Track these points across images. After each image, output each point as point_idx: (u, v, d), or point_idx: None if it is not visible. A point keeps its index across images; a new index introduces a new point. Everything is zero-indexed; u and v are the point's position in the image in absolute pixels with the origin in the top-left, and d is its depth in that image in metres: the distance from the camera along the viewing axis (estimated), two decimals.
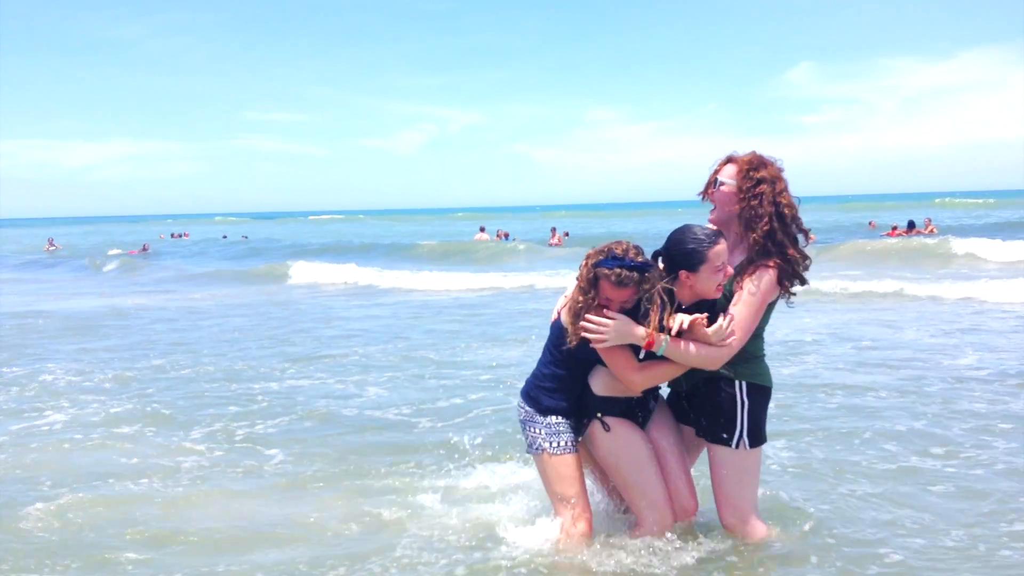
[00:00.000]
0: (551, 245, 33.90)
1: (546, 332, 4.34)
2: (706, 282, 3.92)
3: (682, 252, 3.91)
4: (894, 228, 32.82)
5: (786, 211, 4.03)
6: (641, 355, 3.98)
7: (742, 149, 4.18)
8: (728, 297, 4.01)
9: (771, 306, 4.12)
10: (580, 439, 4.26)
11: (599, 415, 4.14)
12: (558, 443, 4.19)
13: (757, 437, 4.15)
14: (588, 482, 4.40)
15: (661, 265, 3.99)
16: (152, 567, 4.45)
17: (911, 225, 32.30)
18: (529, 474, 5.44)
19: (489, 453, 6.14)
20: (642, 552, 4.15)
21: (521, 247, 32.50)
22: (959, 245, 23.03)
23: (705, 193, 4.26)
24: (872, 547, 4.42)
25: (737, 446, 4.11)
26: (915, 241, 25.97)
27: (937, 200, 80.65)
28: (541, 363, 4.32)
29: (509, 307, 15.47)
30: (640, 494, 4.18)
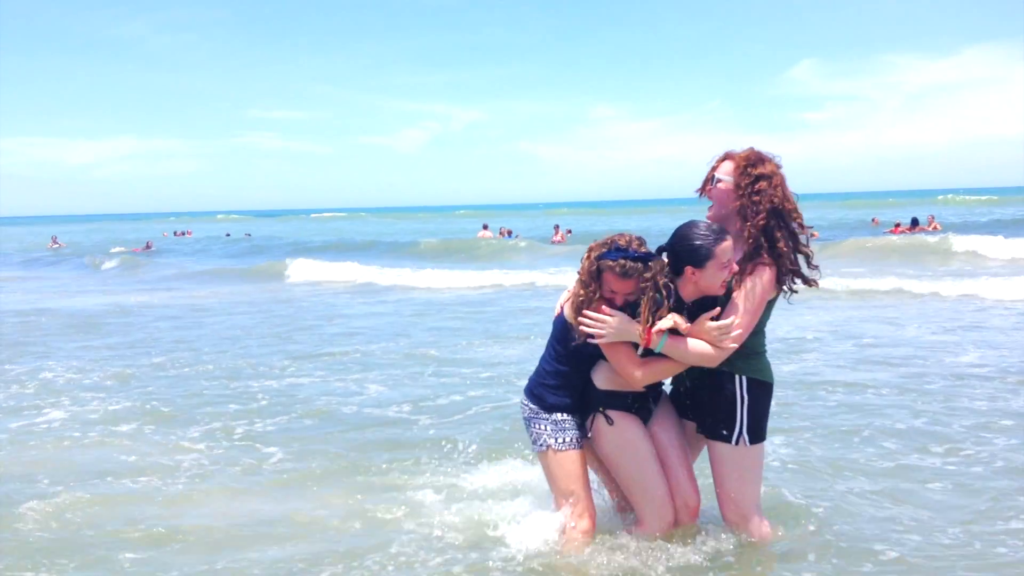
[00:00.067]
0: (554, 243, 33.90)
1: (548, 329, 4.33)
2: (711, 278, 3.91)
3: (688, 248, 3.91)
4: (897, 225, 32.73)
5: (784, 206, 4.02)
6: (640, 351, 3.98)
7: (744, 146, 4.17)
8: (730, 294, 4.00)
9: (771, 303, 4.10)
10: (584, 436, 4.25)
11: (602, 409, 4.14)
12: (563, 439, 4.18)
13: (757, 434, 4.14)
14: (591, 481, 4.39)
15: (665, 260, 3.98)
16: (151, 565, 4.45)
17: (914, 222, 32.22)
18: (529, 473, 5.44)
19: (489, 451, 6.15)
20: (642, 551, 4.14)
21: (523, 244, 32.49)
22: (961, 242, 23.00)
23: (703, 190, 4.25)
24: (869, 544, 4.41)
25: (737, 442, 4.10)
26: (917, 238, 25.92)
27: (940, 197, 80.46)
28: (544, 360, 4.32)
29: (511, 305, 15.47)
30: (641, 490, 4.17)
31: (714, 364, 3.99)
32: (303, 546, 4.64)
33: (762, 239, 3.97)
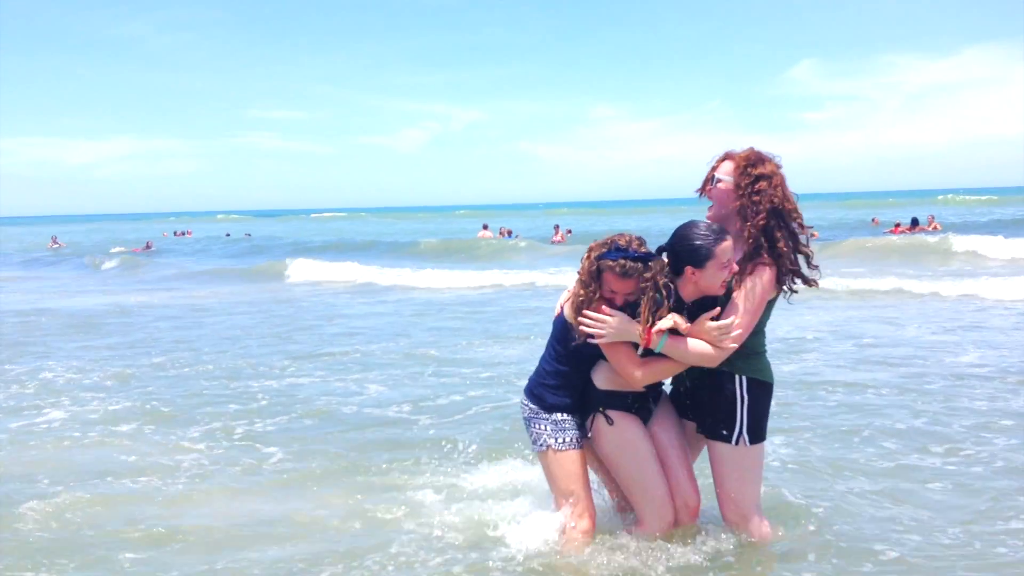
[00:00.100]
0: (554, 243, 33.91)
1: (548, 329, 4.33)
2: (712, 278, 3.91)
3: (688, 248, 3.90)
4: (897, 225, 32.72)
5: (784, 206, 4.01)
6: (640, 351, 3.98)
7: (744, 146, 4.16)
8: (729, 294, 4.00)
9: (771, 303, 4.10)
10: (584, 436, 4.25)
11: (602, 409, 4.14)
12: (563, 439, 4.18)
13: (757, 434, 4.13)
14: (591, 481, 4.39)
15: (665, 260, 3.98)
16: (151, 565, 4.45)
17: (915, 222, 32.20)
18: (528, 473, 5.44)
19: (489, 451, 6.14)
20: (641, 551, 4.14)
21: (522, 244, 32.49)
22: (961, 242, 23.01)
23: (702, 190, 4.25)
24: (869, 544, 4.41)
25: (737, 442, 4.09)
26: (917, 238, 25.92)
27: (940, 197, 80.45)
28: (544, 360, 4.32)
29: (511, 305, 15.47)
30: (641, 490, 4.17)
31: (714, 364, 3.99)
32: (303, 546, 4.64)
33: (762, 239, 3.97)
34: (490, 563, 4.26)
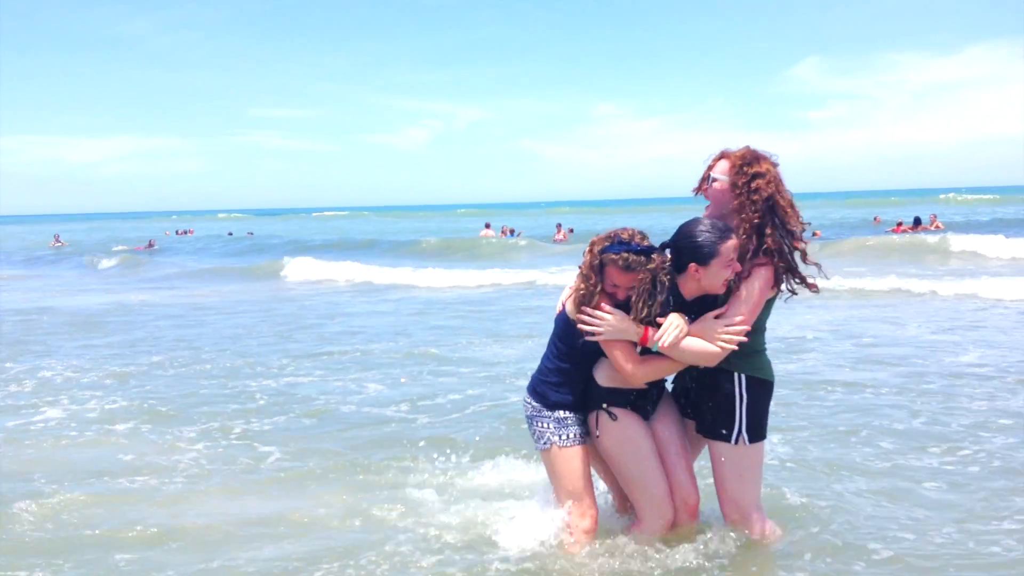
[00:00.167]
0: (556, 241, 33.89)
1: (549, 328, 4.32)
2: (715, 276, 3.91)
3: (693, 245, 3.89)
4: (899, 224, 32.70)
5: (779, 201, 3.99)
6: (639, 348, 3.98)
7: (746, 144, 4.15)
8: (729, 293, 4.00)
9: (770, 302, 4.09)
10: (587, 433, 4.25)
11: (604, 406, 4.14)
12: (567, 435, 4.18)
13: (757, 432, 4.12)
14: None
15: (668, 255, 3.97)
16: (147, 565, 4.45)
17: (917, 221, 32.18)
18: (526, 472, 5.44)
19: (486, 450, 6.14)
20: (641, 551, 4.13)
21: (522, 243, 32.47)
22: (962, 242, 23.01)
23: (699, 189, 4.24)
24: (864, 543, 4.41)
25: (736, 442, 4.09)
26: (918, 237, 25.91)
27: (942, 196, 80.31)
28: (546, 358, 4.31)
29: (512, 303, 15.47)
30: (641, 488, 4.17)
31: (712, 363, 3.99)
32: (299, 545, 4.64)
33: (755, 236, 3.96)
34: (486, 563, 4.26)
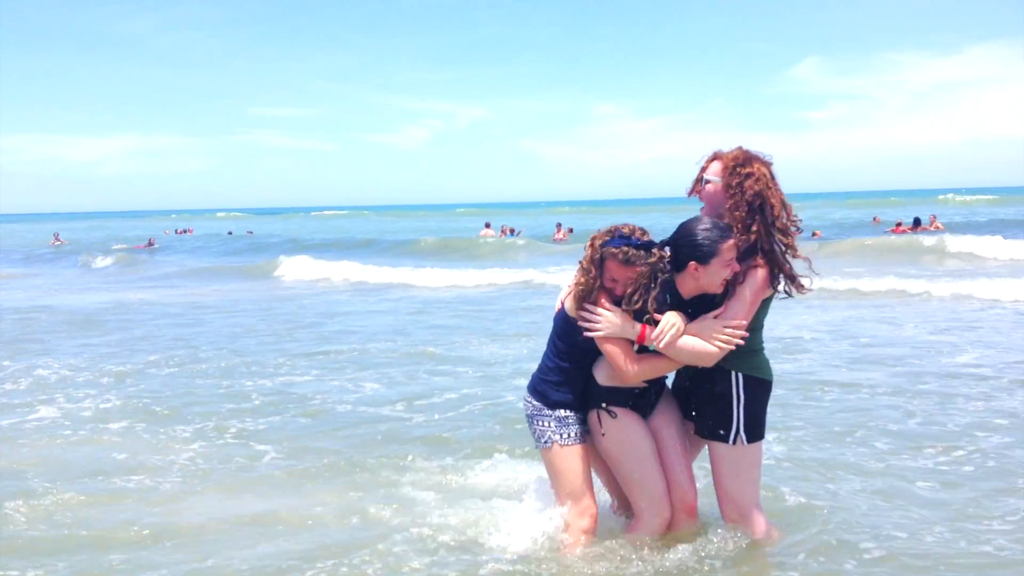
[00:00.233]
0: (555, 241, 33.90)
1: (548, 327, 4.32)
2: (714, 276, 3.91)
3: (693, 243, 3.89)
4: (898, 224, 32.71)
5: (771, 200, 3.99)
6: (636, 347, 3.98)
7: (747, 144, 4.14)
8: (726, 293, 4.00)
9: (767, 301, 4.08)
10: (588, 433, 4.25)
11: (603, 405, 4.14)
12: (568, 434, 4.18)
13: (755, 432, 4.12)
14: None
15: (668, 252, 3.98)
16: (142, 564, 4.44)
17: (916, 222, 32.20)
18: (522, 471, 5.44)
19: (482, 450, 6.15)
20: (640, 551, 4.13)
21: (521, 243, 32.47)
22: (960, 243, 23.04)
23: (692, 191, 4.24)
24: (857, 542, 4.42)
25: (734, 442, 4.08)
26: (916, 238, 25.94)
27: (942, 196, 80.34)
28: (546, 357, 4.31)
29: (511, 303, 15.48)
30: (639, 487, 4.17)
31: (710, 363, 3.98)
32: (294, 543, 4.64)
33: (747, 235, 3.95)
34: (480, 563, 4.26)
